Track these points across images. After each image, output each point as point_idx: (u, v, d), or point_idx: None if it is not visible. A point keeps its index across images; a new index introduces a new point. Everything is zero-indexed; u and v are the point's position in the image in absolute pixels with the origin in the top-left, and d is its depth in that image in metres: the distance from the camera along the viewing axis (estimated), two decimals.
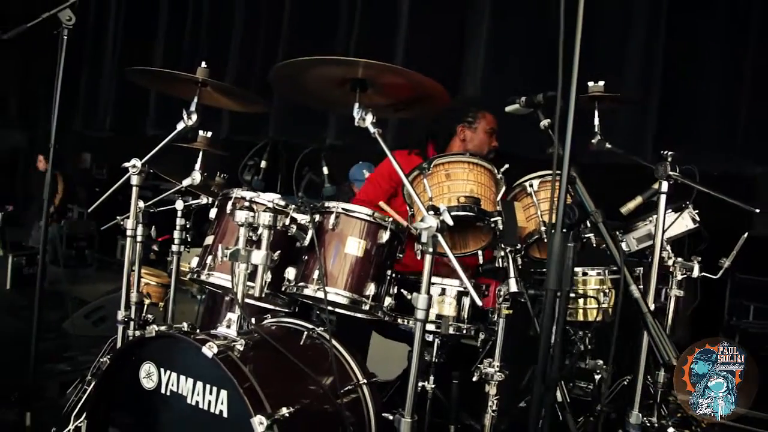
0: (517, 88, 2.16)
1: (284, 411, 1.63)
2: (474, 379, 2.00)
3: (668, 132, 3.33)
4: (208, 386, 1.71)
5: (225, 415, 1.67)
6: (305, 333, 2.06)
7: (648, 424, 2.23)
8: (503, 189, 2.10)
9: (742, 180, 3.57)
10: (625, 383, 2.65)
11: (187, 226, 2.72)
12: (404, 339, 2.70)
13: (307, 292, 1.96)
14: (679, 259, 2.27)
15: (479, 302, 1.64)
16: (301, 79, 1.91)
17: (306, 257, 2.02)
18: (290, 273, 2.01)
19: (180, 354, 1.78)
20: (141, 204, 2.36)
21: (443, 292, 2.19)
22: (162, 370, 1.79)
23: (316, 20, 4.27)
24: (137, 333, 2.37)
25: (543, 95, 1.94)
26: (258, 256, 1.84)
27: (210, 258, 2.07)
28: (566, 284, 1.47)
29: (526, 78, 3.33)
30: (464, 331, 2.16)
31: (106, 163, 8.61)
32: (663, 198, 1.88)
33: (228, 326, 1.86)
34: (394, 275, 2.10)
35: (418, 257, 1.80)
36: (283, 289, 2.04)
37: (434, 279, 2.17)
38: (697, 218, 2.42)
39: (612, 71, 3.44)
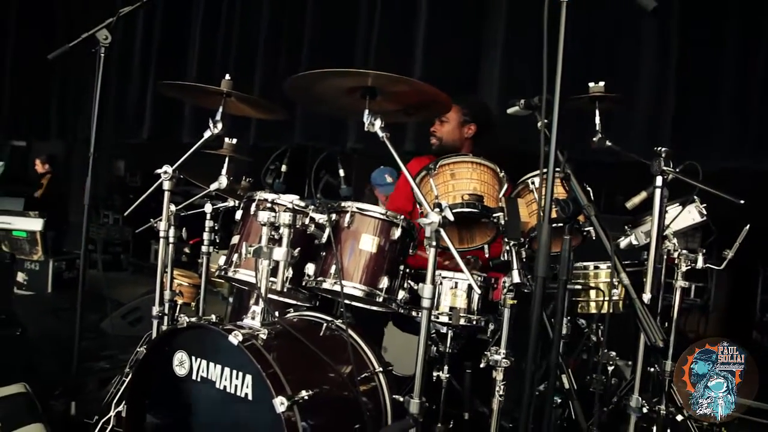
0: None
1: (304, 394, 1.76)
2: (482, 365, 2.11)
3: (683, 130, 3.38)
4: (234, 371, 1.85)
5: (250, 397, 1.81)
6: (324, 325, 2.20)
7: (656, 411, 2.29)
8: (505, 186, 2.22)
9: (759, 175, 3.59)
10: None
11: (216, 228, 2.89)
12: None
13: (325, 286, 2.10)
14: (684, 251, 2.34)
15: (477, 290, 1.75)
16: (315, 89, 2.05)
17: (324, 254, 2.15)
18: (309, 269, 2.16)
19: (209, 343, 1.92)
20: (173, 207, 2.54)
21: (455, 285, 2.31)
22: (193, 358, 1.94)
23: (336, 33, 4.43)
24: None
25: (539, 98, 2.05)
26: (279, 253, 1.99)
27: (236, 256, 2.23)
28: (563, 274, 1.58)
29: (539, 86, 3.43)
30: (474, 322, 2.27)
31: (138, 170, 8.92)
32: (658, 192, 1.96)
33: (252, 318, 2.02)
34: (407, 270, 2.21)
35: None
36: (303, 283, 2.19)
37: (446, 273, 2.30)
38: (704, 212, 2.49)
39: (627, 74, 3.51)
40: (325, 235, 2.11)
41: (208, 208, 2.90)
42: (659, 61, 3.41)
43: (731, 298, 5.30)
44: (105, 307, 4.53)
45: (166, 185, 2.42)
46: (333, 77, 1.93)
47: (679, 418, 2.36)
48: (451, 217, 1.69)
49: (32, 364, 3.09)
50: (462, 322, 2.26)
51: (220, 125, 2.34)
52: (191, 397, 1.95)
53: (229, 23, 5.01)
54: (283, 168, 2.41)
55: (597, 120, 2.20)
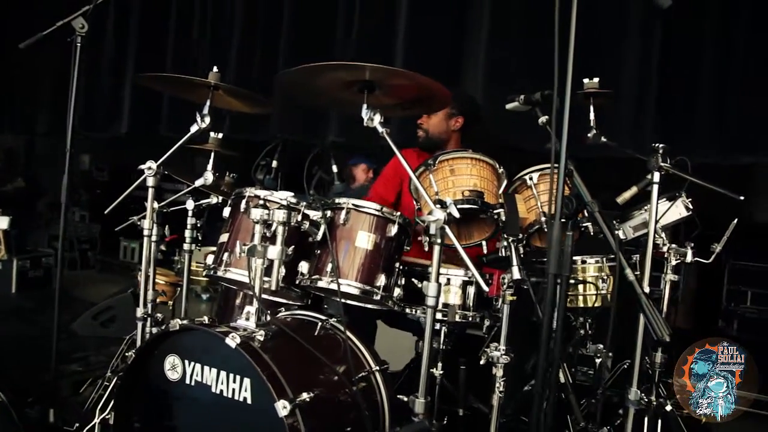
0: (514, 87, 2.26)
1: (305, 396, 1.73)
2: (481, 362, 2.10)
3: (665, 126, 3.43)
4: (231, 375, 1.79)
5: (249, 401, 1.76)
6: (319, 324, 2.15)
7: (645, 402, 2.33)
8: (504, 182, 2.21)
9: (737, 169, 3.68)
10: (625, 367, 2.75)
11: (199, 225, 2.79)
12: (410, 328, 2.80)
13: (321, 284, 2.05)
14: (674, 245, 2.37)
15: (485, 288, 1.73)
16: (309, 84, 2.00)
17: (319, 251, 2.10)
18: (303, 267, 2.10)
19: (204, 345, 1.86)
20: (156, 205, 2.45)
21: (448, 281, 2.29)
22: (186, 361, 1.87)
23: (313, 25, 4.33)
24: (153, 330, 2.46)
25: (541, 93, 2.04)
26: (274, 252, 1.94)
27: (226, 255, 2.16)
28: (565, 270, 1.57)
29: (524, 76, 3.42)
30: (470, 319, 2.26)
31: (105, 164, 8.63)
32: (655, 188, 1.98)
33: (247, 318, 1.96)
34: (401, 267, 2.18)
35: (426, 249, 1.90)
36: (297, 282, 2.13)
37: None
38: (690, 206, 2.53)
39: (609, 68, 3.53)
40: (320, 233, 2.06)
41: (189, 204, 2.80)
42: (642, 61, 3.44)
43: (699, 289, 5.50)
44: (74, 308, 4.37)
45: (150, 181, 2.33)
46: (330, 70, 1.87)
47: (668, 408, 2.40)
48: (456, 214, 1.67)
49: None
50: (457, 318, 2.24)
51: (207, 119, 2.26)
52: (185, 403, 1.88)
53: (203, 16, 4.86)
54: (274, 164, 2.34)
55: (591, 116, 2.21)
